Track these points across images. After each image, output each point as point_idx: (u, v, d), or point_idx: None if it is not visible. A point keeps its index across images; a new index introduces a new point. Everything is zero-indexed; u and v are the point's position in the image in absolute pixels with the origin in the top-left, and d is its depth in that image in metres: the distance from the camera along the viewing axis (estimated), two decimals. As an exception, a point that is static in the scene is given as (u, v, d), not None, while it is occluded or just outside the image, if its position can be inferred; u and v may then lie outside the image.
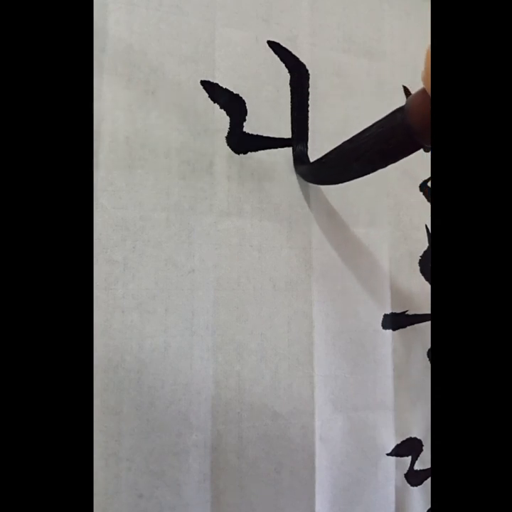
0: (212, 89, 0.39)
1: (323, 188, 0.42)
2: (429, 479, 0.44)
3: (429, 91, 0.23)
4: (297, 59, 0.42)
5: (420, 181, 0.47)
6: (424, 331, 0.44)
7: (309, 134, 0.42)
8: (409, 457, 0.44)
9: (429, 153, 0.47)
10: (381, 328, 0.43)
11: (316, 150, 0.42)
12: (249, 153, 0.40)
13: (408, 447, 0.44)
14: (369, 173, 0.32)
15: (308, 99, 0.42)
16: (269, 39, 0.41)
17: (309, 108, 0.42)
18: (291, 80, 0.42)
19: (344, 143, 0.33)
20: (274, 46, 0.41)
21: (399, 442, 0.43)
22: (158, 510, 0.34)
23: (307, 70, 0.42)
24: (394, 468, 0.43)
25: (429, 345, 0.44)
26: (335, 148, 0.34)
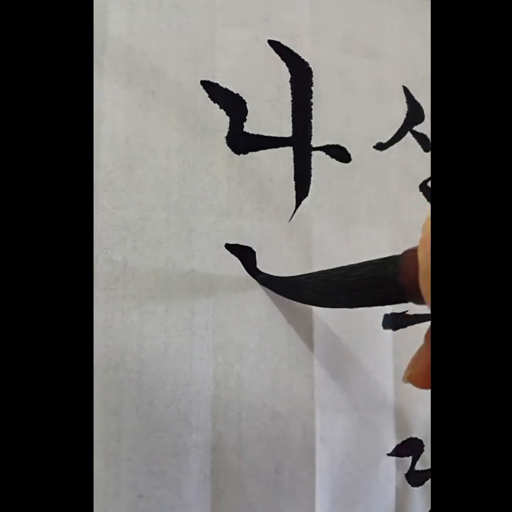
0: (212, 89, 0.39)
1: (323, 188, 0.42)
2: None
3: (422, 256, 0.22)
4: (299, 57, 0.42)
5: (420, 181, 0.47)
6: (424, 331, 0.44)
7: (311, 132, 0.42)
8: (410, 457, 0.44)
9: (429, 153, 0.47)
10: (381, 328, 0.43)
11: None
12: (249, 153, 0.40)
13: (409, 447, 0.44)
14: (352, 308, 0.30)
15: (311, 98, 0.42)
16: (269, 38, 0.41)
17: (312, 106, 0.42)
18: (292, 79, 0.42)
19: (331, 271, 0.31)
20: (275, 45, 0.41)
21: (399, 442, 0.43)
22: (158, 510, 0.34)
23: (310, 68, 0.42)
24: (395, 469, 0.43)
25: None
26: (320, 273, 0.33)
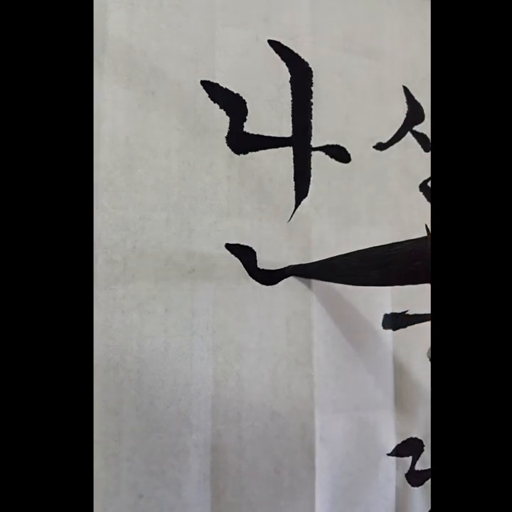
0: (212, 89, 0.39)
1: (323, 188, 0.42)
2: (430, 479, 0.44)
3: None
4: (299, 57, 0.42)
5: (420, 181, 0.47)
6: (424, 330, 0.44)
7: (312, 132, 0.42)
8: (410, 457, 0.44)
9: (429, 153, 0.47)
10: (381, 328, 0.43)
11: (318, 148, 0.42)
12: (249, 153, 0.40)
13: (409, 447, 0.44)
14: (382, 286, 0.31)
15: (311, 98, 0.42)
16: (269, 38, 0.41)
17: (312, 106, 0.42)
18: (292, 79, 0.42)
19: (370, 248, 0.33)
20: (275, 45, 0.41)
21: (399, 442, 0.43)
22: (158, 510, 0.34)
23: (310, 68, 0.42)
24: (395, 469, 0.43)
25: (429, 345, 0.44)
26: (358, 251, 0.34)
